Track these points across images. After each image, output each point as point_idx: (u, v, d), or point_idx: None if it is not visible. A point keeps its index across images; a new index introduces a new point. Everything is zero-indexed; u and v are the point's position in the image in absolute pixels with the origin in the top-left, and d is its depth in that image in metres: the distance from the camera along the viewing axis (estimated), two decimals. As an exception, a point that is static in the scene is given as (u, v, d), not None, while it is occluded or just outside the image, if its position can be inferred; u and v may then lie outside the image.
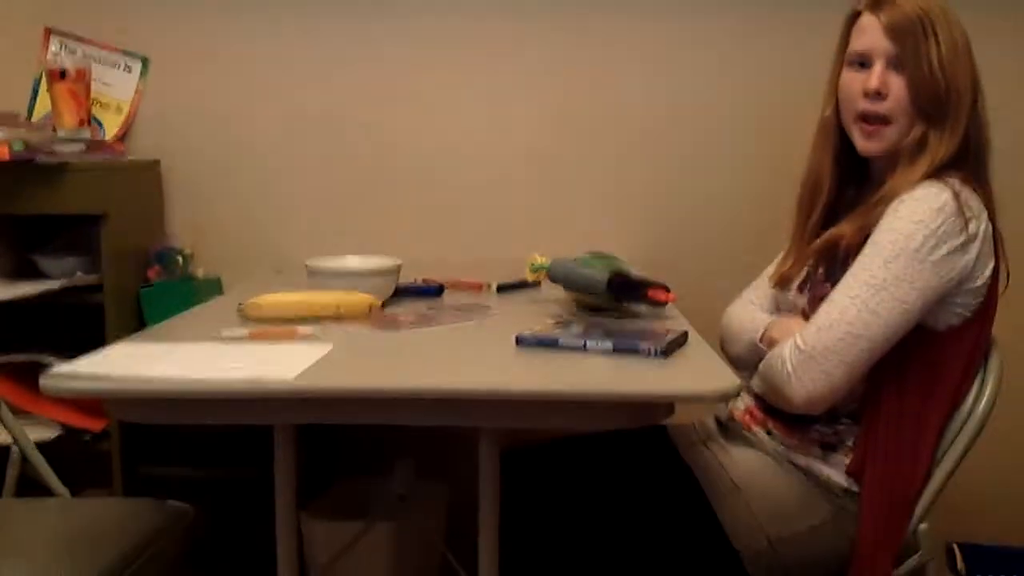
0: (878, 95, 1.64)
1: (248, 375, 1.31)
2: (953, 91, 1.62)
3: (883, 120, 1.65)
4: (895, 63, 1.63)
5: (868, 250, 1.58)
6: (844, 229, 1.68)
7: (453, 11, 2.53)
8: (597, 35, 2.52)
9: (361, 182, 2.59)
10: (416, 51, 2.55)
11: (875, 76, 1.64)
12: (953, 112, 1.62)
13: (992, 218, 1.61)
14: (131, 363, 1.38)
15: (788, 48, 2.47)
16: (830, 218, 1.77)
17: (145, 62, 2.56)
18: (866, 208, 1.66)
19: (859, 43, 1.68)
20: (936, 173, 1.60)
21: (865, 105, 1.66)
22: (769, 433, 1.72)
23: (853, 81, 1.68)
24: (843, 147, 1.75)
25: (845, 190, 1.78)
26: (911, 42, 1.61)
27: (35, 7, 2.57)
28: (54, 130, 2.36)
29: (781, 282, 1.81)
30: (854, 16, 1.71)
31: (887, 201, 1.60)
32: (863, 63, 1.67)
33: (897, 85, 1.63)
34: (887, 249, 1.55)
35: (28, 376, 2.05)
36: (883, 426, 1.61)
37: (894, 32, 1.62)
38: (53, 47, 2.56)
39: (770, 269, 1.91)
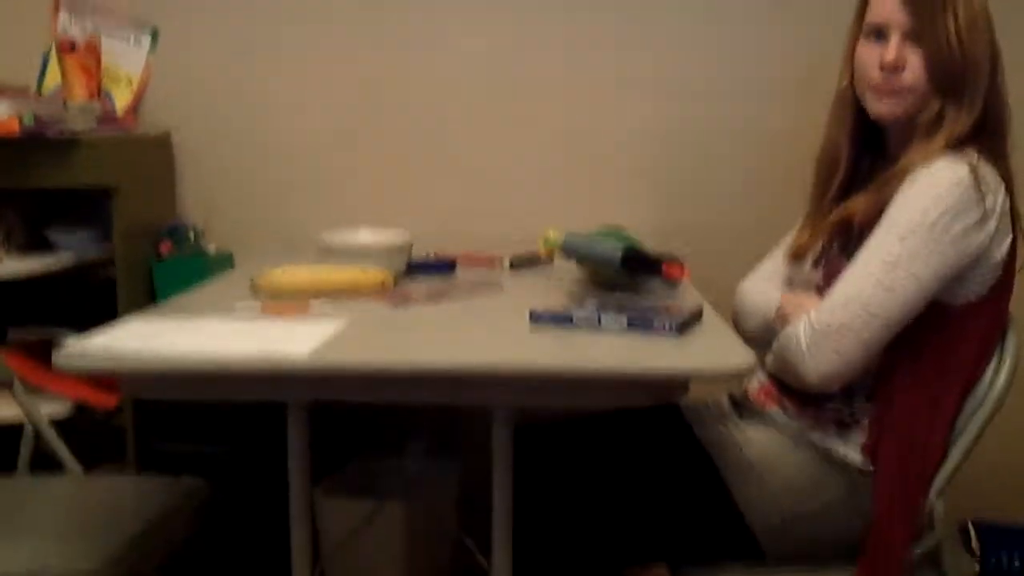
0: (894, 69, 1.61)
1: (261, 351, 1.30)
2: (971, 65, 1.59)
3: (896, 91, 1.63)
4: (912, 36, 1.60)
5: (883, 225, 1.56)
6: (858, 204, 1.67)
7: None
8: (612, 10, 2.50)
9: (374, 157, 2.57)
10: (431, 23, 2.52)
11: (891, 49, 1.61)
12: (971, 86, 1.59)
13: (1010, 192, 1.59)
14: (144, 339, 1.37)
15: (801, 21, 2.44)
16: (846, 191, 1.75)
17: (155, 34, 2.54)
18: (880, 182, 1.64)
19: (875, 14, 1.65)
20: (953, 147, 1.58)
21: (881, 78, 1.63)
22: (784, 411, 1.71)
23: (869, 53, 1.65)
24: (859, 119, 1.72)
25: (861, 163, 1.76)
26: (928, 14, 1.58)
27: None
28: (64, 103, 2.35)
29: (796, 254, 1.79)
30: None
31: (902, 176, 1.58)
32: (879, 34, 1.64)
33: (913, 60, 1.60)
34: (902, 225, 1.53)
35: (40, 352, 2.05)
36: (898, 404, 1.60)
37: (911, 4, 1.59)
38: (62, 19, 2.54)
39: (783, 243, 1.90)
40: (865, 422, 1.63)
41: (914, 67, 1.61)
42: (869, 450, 1.62)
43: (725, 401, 1.87)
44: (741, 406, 1.82)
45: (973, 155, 1.55)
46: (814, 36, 2.35)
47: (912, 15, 1.60)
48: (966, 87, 1.59)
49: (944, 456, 1.62)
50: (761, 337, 1.73)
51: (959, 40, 1.58)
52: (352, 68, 2.55)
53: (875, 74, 1.64)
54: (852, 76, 1.71)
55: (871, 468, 1.62)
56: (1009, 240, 1.58)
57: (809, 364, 1.56)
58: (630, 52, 2.50)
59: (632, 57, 2.51)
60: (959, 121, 1.59)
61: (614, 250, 1.73)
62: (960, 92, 1.60)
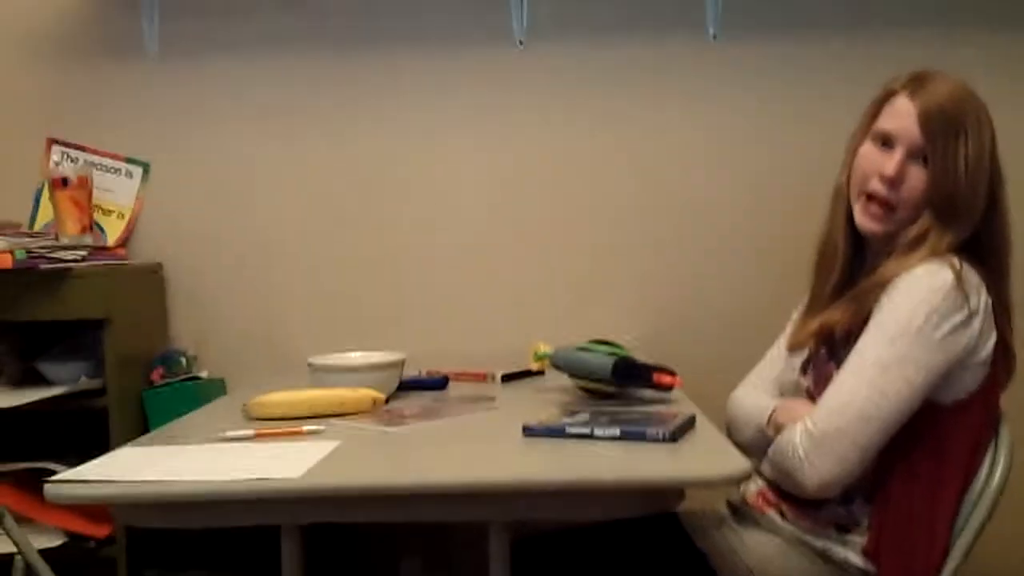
0: (893, 183, 1.63)
1: (254, 475, 1.30)
2: (971, 193, 1.60)
3: (889, 206, 1.65)
4: (918, 155, 1.61)
5: (871, 330, 1.57)
6: (836, 315, 1.67)
7: (454, 101, 2.56)
8: (597, 121, 2.55)
9: (362, 278, 2.59)
10: (417, 142, 2.57)
11: (894, 163, 1.62)
12: (965, 212, 1.61)
13: (996, 293, 1.60)
14: (136, 467, 1.37)
15: (790, 133, 2.49)
16: (846, 283, 1.75)
17: (146, 168, 2.59)
18: (860, 292, 1.66)
19: (889, 123, 1.66)
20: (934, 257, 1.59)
21: (877, 187, 1.64)
22: (782, 516, 1.70)
23: (872, 158, 1.66)
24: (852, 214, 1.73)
25: (857, 256, 1.76)
26: (941, 139, 1.59)
27: (37, 118, 2.60)
28: (56, 238, 2.38)
29: (798, 345, 1.79)
30: (889, 94, 1.68)
31: (882, 284, 1.59)
32: (886, 142, 1.65)
33: (915, 177, 1.62)
34: (890, 329, 1.54)
35: (32, 484, 2.03)
36: (897, 504, 1.59)
37: (927, 124, 1.60)
38: (55, 157, 2.59)
39: (773, 352, 1.90)
40: (864, 524, 1.62)
41: (913, 184, 1.62)
42: (870, 552, 1.60)
43: (723, 508, 1.86)
44: (739, 512, 1.81)
45: (955, 259, 1.57)
46: (799, 145, 2.42)
47: (925, 136, 1.60)
48: (960, 212, 1.61)
49: (946, 555, 1.60)
50: (755, 445, 1.72)
51: (966, 168, 1.59)
52: (340, 195, 2.59)
53: (873, 182, 1.65)
54: (849, 174, 1.72)
55: (872, 570, 1.60)
56: (994, 337, 1.59)
57: (808, 472, 1.55)
58: (618, 165, 2.55)
59: (620, 170, 2.55)
60: (943, 240, 1.60)
61: (605, 360, 1.74)
62: (952, 215, 1.60)
